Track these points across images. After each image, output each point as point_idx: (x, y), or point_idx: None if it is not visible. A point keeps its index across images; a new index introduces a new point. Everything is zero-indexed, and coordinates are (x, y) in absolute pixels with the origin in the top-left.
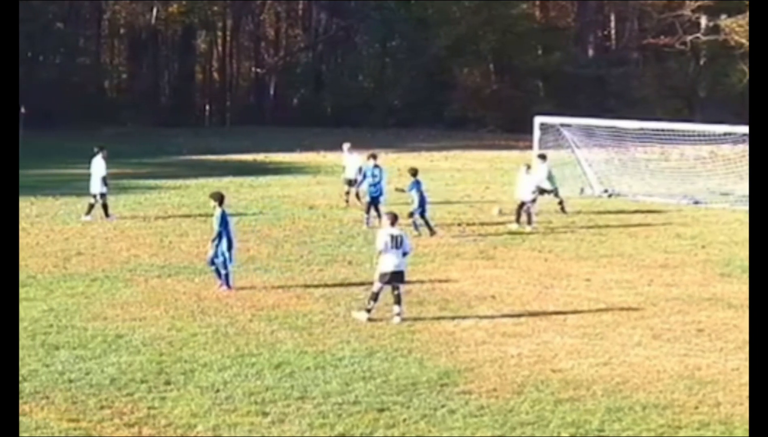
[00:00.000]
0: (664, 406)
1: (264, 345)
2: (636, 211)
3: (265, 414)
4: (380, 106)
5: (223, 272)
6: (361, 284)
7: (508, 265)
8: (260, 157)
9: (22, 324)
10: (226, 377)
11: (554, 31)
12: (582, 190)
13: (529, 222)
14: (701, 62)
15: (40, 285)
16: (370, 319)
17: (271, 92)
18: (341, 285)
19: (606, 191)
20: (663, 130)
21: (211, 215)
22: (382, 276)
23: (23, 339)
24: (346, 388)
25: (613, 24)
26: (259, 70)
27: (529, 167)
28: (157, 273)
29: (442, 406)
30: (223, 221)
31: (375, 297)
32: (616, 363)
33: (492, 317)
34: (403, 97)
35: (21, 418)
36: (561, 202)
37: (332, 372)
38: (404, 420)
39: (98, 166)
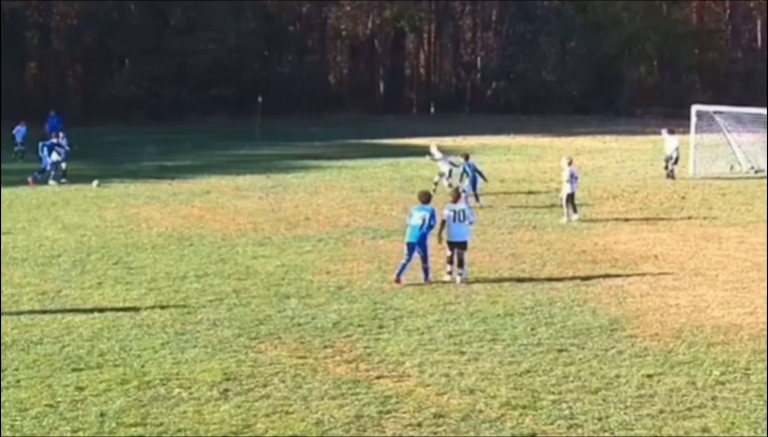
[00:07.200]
0: None
1: (461, 296)
2: None
3: (462, 353)
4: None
5: (423, 265)
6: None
7: (668, 229)
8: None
9: (258, 277)
10: (429, 322)
11: (709, 33)
12: (732, 167)
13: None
14: None
15: (274, 245)
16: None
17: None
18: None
19: (752, 168)
20: None
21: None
22: (449, 244)
23: (260, 290)
24: (531, 332)
25: (759, 27)
26: None
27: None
28: (372, 236)
29: (612, 348)
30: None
31: (449, 260)
32: (761, 313)
33: (654, 273)
34: (580, 89)
35: (257, 355)
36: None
37: (519, 318)
38: (580, 359)
39: None
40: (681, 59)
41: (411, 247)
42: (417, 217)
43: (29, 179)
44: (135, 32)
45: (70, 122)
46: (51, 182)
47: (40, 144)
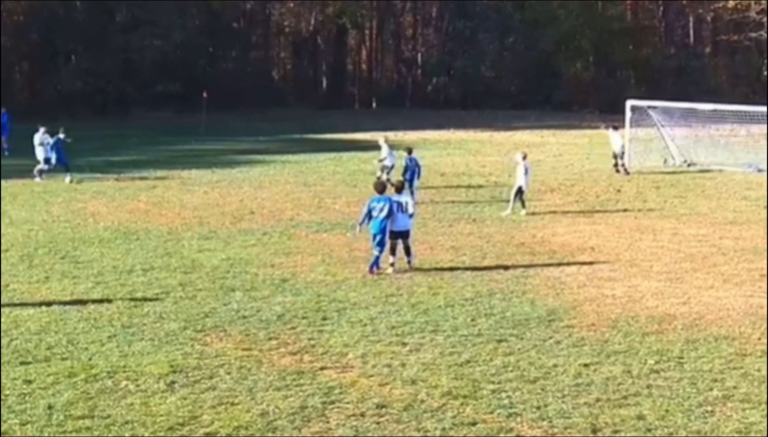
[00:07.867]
0: (733, 338)
1: (403, 288)
2: (710, 178)
3: (404, 344)
4: (499, 92)
5: (376, 253)
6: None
7: (604, 222)
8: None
9: (204, 270)
10: (372, 314)
11: (643, 29)
12: (665, 161)
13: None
14: (764, 55)
15: (219, 239)
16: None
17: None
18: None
19: (685, 161)
20: (732, 111)
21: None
22: (391, 233)
23: (205, 283)
24: (471, 323)
25: (691, 23)
26: None
27: None
28: (315, 229)
29: (550, 338)
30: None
31: (391, 251)
32: (694, 303)
33: (590, 265)
34: (518, 84)
35: (203, 348)
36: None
37: (460, 310)
38: (519, 349)
39: None
40: (616, 55)
41: (375, 237)
42: (378, 208)
43: (68, 180)
44: (81, 29)
45: (16, 118)
46: (37, 178)
47: (47, 140)
